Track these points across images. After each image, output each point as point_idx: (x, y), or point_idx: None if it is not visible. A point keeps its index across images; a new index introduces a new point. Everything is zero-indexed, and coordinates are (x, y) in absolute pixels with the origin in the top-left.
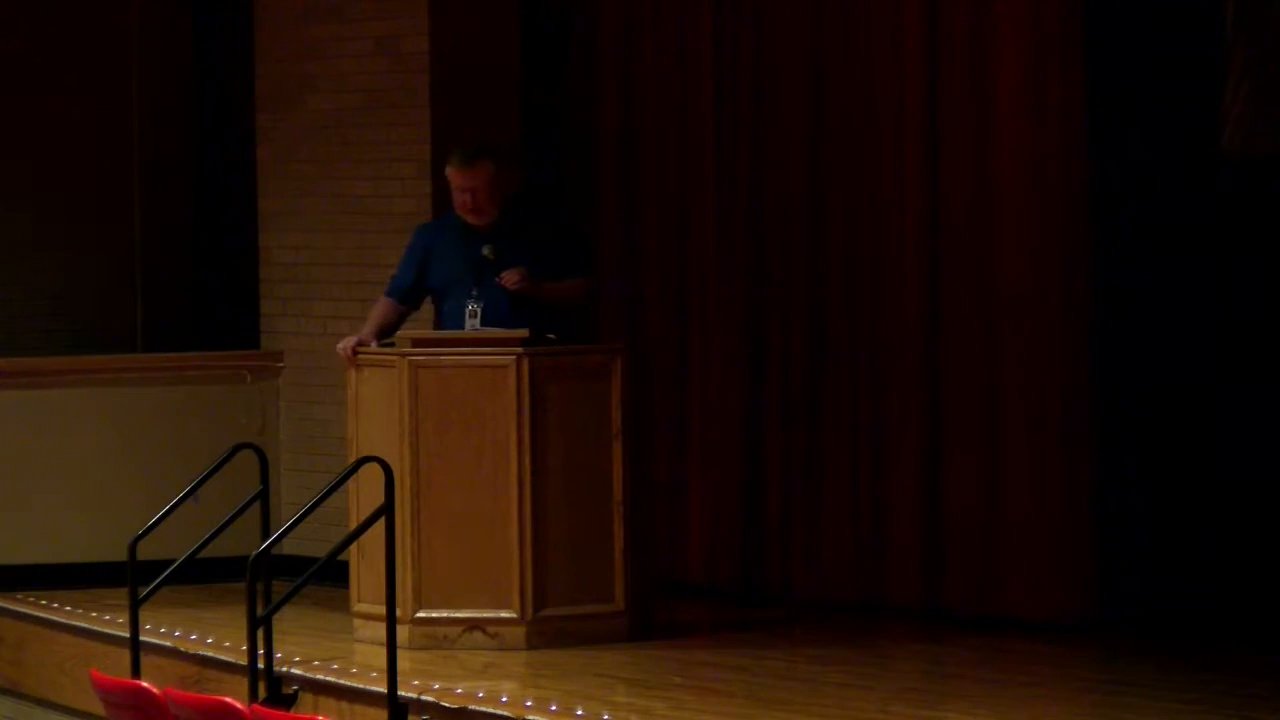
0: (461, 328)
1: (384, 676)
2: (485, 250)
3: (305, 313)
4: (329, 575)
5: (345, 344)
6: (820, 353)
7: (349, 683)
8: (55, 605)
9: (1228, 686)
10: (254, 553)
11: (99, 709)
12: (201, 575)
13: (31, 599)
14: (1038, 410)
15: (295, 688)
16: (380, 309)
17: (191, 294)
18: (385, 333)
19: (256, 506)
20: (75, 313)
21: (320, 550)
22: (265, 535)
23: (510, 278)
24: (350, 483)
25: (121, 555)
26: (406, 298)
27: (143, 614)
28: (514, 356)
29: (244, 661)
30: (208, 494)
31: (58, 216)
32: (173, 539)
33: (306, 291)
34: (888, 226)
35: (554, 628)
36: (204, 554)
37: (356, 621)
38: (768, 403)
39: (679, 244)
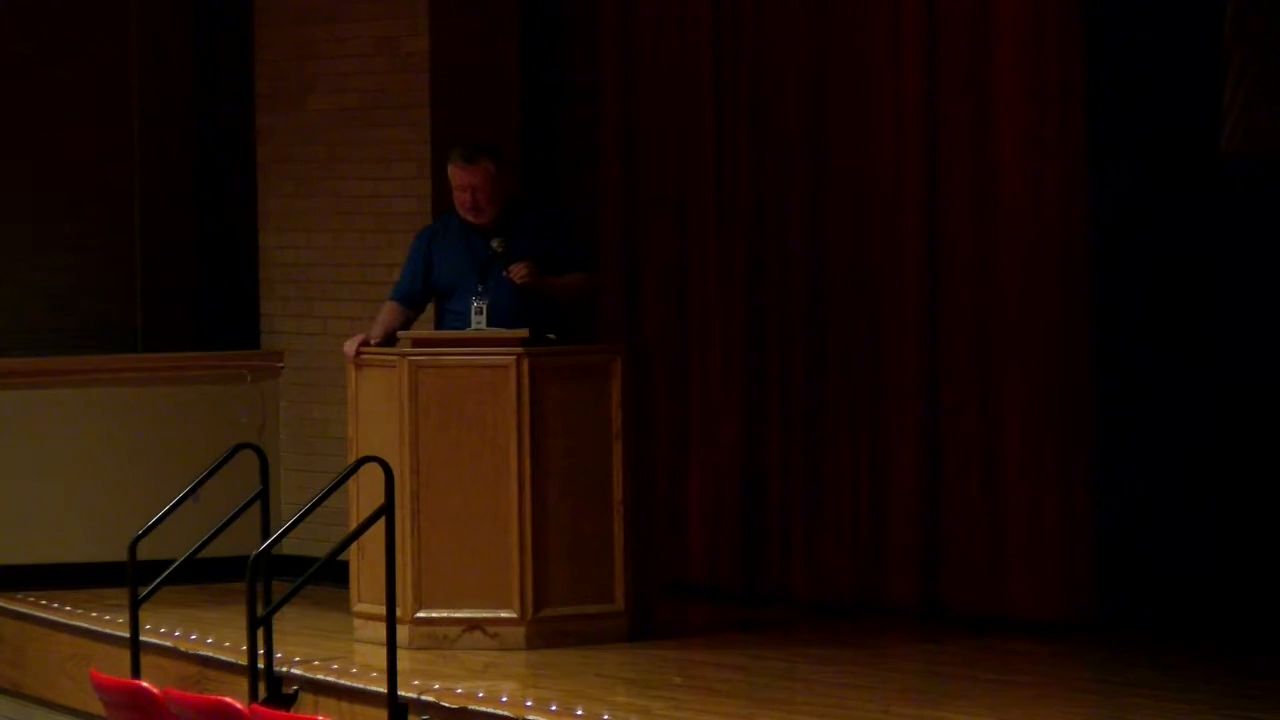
0: (468, 325)
1: (384, 676)
2: (494, 243)
3: (305, 313)
4: (329, 575)
5: (351, 344)
6: (820, 353)
7: (349, 683)
8: (55, 605)
9: (1228, 686)
10: (254, 553)
11: (99, 709)
12: (201, 575)
13: (31, 599)
14: (1037, 410)
15: (295, 688)
16: (387, 313)
17: (192, 294)
18: (392, 337)
19: (256, 506)
20: (75, 313)
21: (320, 550)
22: (265, 535)
23: (518, 271)
24: (350, 483)
25: (121, 555)
26: (412, 301)
27: (143, 614)
28: (514, 356)
29: (244, 661)
30: (208, 494)
31: (58, 216)
32: (173, 539)
33: (306, 291)
34: (888, 226)
35: (554, 628)
36: (204, 554)
37: (356, 621)
38: (768, 403)
39: (679, 244)
